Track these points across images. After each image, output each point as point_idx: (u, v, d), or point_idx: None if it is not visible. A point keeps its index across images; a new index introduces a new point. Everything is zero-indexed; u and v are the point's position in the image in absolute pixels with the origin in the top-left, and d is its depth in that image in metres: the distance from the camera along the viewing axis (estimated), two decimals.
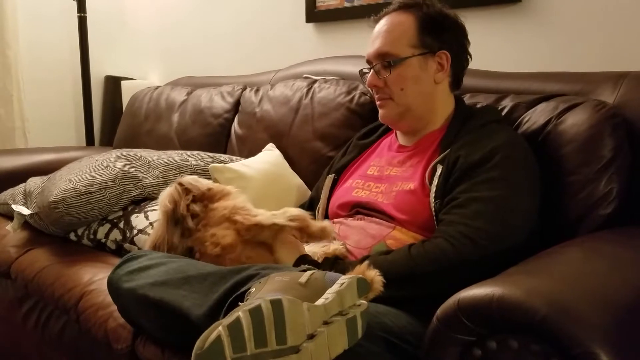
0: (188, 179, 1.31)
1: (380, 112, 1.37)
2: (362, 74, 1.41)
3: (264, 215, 1.20)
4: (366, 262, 0.93)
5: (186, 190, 1.29)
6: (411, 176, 1.27)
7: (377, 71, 1.33)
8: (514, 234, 1.12)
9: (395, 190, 1.28)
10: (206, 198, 1.29)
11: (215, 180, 1.61)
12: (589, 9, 1.57)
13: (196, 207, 1.26)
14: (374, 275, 0.91)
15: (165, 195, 1.30)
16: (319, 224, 1.20)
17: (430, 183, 1.21)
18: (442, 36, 1.31)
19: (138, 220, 1.66)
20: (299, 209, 1.23)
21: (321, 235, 1.19)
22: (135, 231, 1.65)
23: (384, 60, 1.31)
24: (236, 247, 1.18)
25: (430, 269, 1.09)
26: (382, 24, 1.35)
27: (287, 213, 1.19)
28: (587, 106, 1.27)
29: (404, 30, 1.31)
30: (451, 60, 1.31)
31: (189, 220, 1.25)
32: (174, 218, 1.27)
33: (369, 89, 1.40)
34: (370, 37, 1.36)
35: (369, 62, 1.36)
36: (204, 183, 1.32)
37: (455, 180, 1.18)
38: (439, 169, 1.21)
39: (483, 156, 1.18)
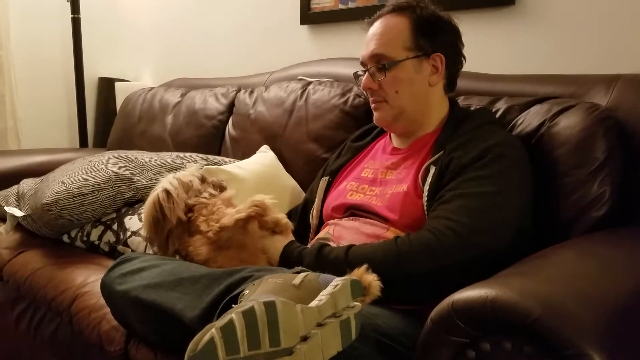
0: (164, 194, 1.24)
1: (375, 114, 1.37)
2: (356, 76, 1.41)
3: (227, 216, 1.17)
4: (365, 266, 0.93)
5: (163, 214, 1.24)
6: (404, 178, 1.28)
7: (372, 74, 1.32)
8: (499, 231, 1.12)
9: (389, 193, 1.28)
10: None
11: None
12: (582, 11, 1.58)
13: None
14: (372, 280, 0.91)
15: (150, 201, 1.26)
16: (275, 215, 1.17)
17: (423, 184, 1.22)
18: (437, 38, 1.31)
19: (132, 222, 1.66)
20: (262, 195, 1.21)
21: (274, 228, 1.17)
22: (128, 233, 1.64)
23: (379, 63, 1.31)
24: (217, 257, 1.16)
25: (414, 256, 1.09)
26: (376, 26, 1.34)
27: (249, 201, 1.18)
28: (580, 108, 1.27)
29: (398, 32, 1.30)
30: (445, 62, 1.32)
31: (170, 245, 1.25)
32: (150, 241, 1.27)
33: (364, 92, 1.40)
34: (364, 40, 1.36)
35: (363, 64, 1.36)
36: (181, 197, 1.25)
37: (447, 181, 1.19)
38: (432, 170, 1.21)
39: (475, 156, 1.18)
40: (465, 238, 1.09)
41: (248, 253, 1.17)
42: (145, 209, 1.28)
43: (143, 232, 1.29)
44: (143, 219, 1.29)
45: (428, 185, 1.20)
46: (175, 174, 1.30)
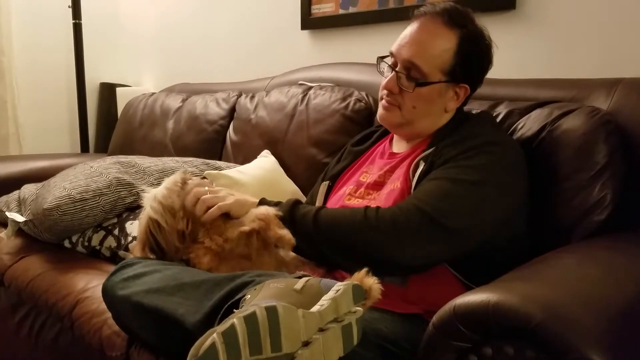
0: (155, 225, 1.22)
1: (382, 112, 1.33)
2: (379, 60, 1.34)
3: (231, 228, 1.17)
4: (365, 270, 0.93)
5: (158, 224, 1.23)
6: (398, 176, 1.27)
7: (399, 78, 1.27)
8: (467, 219, 1.11)
9: (385, 193, 1.28)
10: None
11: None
12: (583, 15, 1.58)
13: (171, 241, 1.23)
14: (372, 283, 0.91)
15: (142, 228, 1.25)
16: (278, 231, 1.15)
17: (413, 178, 1.21)
18: (472, 70, 1.28)
19: (133, 227, 1.66)
20: (266, 208, 1.19)
21: (277, 243, 1.16)
22: (130, 238, 1.64)
23: (410, 72, 1.26)
24: (219, 267, 1.16)
25: (377, 226, 1.10)
26: (424, 28, 1.27)
27: (253, 214, 1.17)
28: (581, 112, 1.27)
29: (442, 50, 1.24)
30: (468, 93, 1.30)
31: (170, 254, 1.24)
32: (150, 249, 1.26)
33: (380, 94, 1.35)
34: (405, 32, 1.29)
35: (392, 56, 1.30)
36: (176, 204, 1.24)
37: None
38: (421, 166, 1.21)
39: (463, 150, 1.18)
40: (429, 216, 1.09)
41: (250, 263, 1.17)
42: (138, 238, 1.27)
43: (136, 253, 1.28)
44: (138, 246, 1.27)
45: (416, 180, 1.20)
46: (156, 194, 1.25)
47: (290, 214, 1.18)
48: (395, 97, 1.29)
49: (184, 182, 1.29)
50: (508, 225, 1.17)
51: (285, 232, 1.15)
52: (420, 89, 1.26)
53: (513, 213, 1.18)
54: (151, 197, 1.25)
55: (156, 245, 1.23)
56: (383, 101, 1.32)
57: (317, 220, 1.15)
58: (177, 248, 1.23)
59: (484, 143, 1.18)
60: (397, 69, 1.28)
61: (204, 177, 1.32)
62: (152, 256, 1.25)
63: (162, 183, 1.29)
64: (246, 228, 1.15)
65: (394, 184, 1.26)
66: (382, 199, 1.27)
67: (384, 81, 1.32)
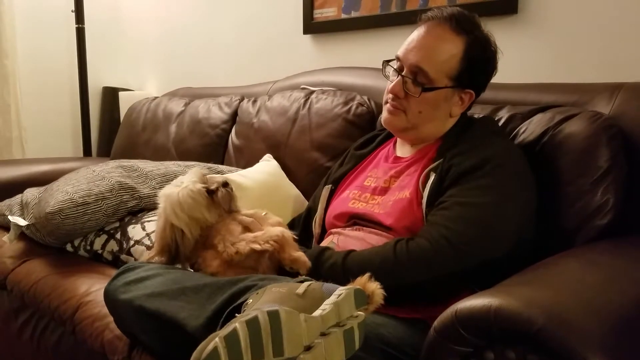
0: (180, 234, 1.21)
1: (387, 116, 1.33)
2: (385, 64, 1.34)
3: (243, 242, 1.16)
4: (367, 274, 0.93)
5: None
6: (407, 185, 1.27)
7: (406, 82, 1.27)
8: (495, 242, 1.13)
9: (392, 200, 1.27)
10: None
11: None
12: (585, 20, 1.58)
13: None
14: (375, 288, 0.91)
15: (165, 233, 1.23)
16: (294, 253, 1.15)
17: (423, 190, 1.22)
18: (477, 76, 1.29)
19: (135, 231, 1.66)
20: (282, 229, 1.18)
21: (291, 266, 1.15)
22: (132, 242, 1.64)
23: (416, 76, 1.26)
24: (226, 272, 1.16)
25: (410, 266, 1.10)
26: (431, 33, 1.27)
27: (267, 234, 1.16)
28: (583, 117, 1.27)
29: (449, 56, 1.25)
30: (473, 99, 1.31)
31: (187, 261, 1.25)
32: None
33: (386, 96, 1.35)
34: (413, 36, 1.29)
35: (399, 60, 1.30)
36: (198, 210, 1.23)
37: (445, 188, 1.19)
38: (432, 177, 1.21)
39: (475, 164, 1.18)
40: (460, 249, 1.10)
41: (256, 273, 1.17)
42: (157, 241, 1.26)
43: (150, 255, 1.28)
44: (156, 248, 1.26)
45: (427, 192, 1.20)
46: (181, 201, 1.21)
47: (316, 266, 1.17)
48: (401, 101, 1.29)
49: (207, 187, 1.26)
50: (519, 234, 1.18)
51: (300, 255, 1.14)
52: (426, 93, 1.26)
53: (527, 221, 1.19)
54: (175, 202, 1.21)
55: (175, 250, 1.23)
56: (388, 105, 1.32)
57: (346, 268, 1.14)
58: (191, 253, 1.24)
59: (494, 156, 1.19)
60: (403, 73, 1.28)
61: (226, 183, 1.29)
62: (162, 258, 1.25)
63: (182, 182, 1.25)
64: (258, 247, 1.15)
65: (402, 192, 1.26)
66: (387, 206, 1.27)
67: (389, 85, 1.32)
